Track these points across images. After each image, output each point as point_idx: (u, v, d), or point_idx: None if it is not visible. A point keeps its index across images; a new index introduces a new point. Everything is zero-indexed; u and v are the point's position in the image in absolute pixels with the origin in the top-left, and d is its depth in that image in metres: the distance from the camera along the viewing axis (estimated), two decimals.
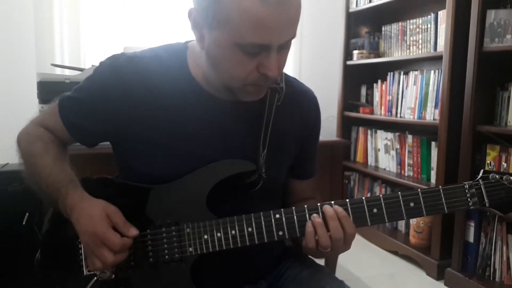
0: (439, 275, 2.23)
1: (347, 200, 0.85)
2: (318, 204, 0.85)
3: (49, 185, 0.87)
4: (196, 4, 0.79)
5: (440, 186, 0.84)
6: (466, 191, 0.84)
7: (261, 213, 0.85)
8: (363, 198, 0.84)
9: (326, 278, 0.95)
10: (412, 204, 0.84)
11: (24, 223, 1.61)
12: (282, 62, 0.81)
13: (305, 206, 0.85)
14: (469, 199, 0.84)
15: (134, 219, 0.86)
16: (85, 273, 0.87)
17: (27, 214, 1.61)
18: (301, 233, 0.84)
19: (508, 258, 1.96)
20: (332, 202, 0.85)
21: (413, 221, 2.43)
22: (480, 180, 0.85)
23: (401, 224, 2.70)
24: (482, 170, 0.86)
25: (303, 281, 0.95)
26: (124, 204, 0.87)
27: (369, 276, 2.29)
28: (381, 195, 0.84)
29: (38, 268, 0.93)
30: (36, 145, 0.91)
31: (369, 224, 0.84)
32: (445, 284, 2.17)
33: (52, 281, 0.92)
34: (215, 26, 0.76)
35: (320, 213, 0.84)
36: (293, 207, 0.85)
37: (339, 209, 0.83)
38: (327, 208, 0.84)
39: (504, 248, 1.96)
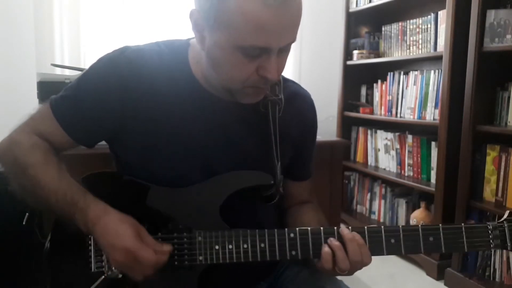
0: (439, 275, 2.23)
1: (365, 227, 0.84)
2: (335, 228, 0.84)
3: (60, 199, 0.82)
4: (198, 5, 0.79)
5: (462, 224, 0.83)
6: (490, 232, 0.83)
7: (275, 230, 0.84)
8: (382, 227, 0.83)
9: (325, 278, 0.95)
10: (431, 239, 0.83)
11: (24, 223, 1.61)
12: (281, 65, 0.81)
13: (321, 228, 0.84)
14: (491, 241, 0.82)
15: (146, 220, 0.85)
16: (93, 270, 0.86)
17: (27, 214, 1.61)
18: (314, 255, 0.84)
19: (508, 258, 1.96)
20: (350, 227, 0.84)
21: (413, 221, 2.43)
22: (504, 222, 0.83)
23: (402, 224, 2.70)
24: (507, 212, 0.85)
25: (302, 281, 0.95)
26: (137, 205, 0.86)
27: (369, 276, 2.28)
28: (400, 226, 0.84)
29: (46, 263, 0.91)
30: (34, 155, 0.85)
31: (385, 254, 0.83)
32: (445, 284, 2.17)
33: (59, 277, 0.90)
34: (217, 28, 0.76)
35: (336, 236, 0.83)
36: (309, 228, 0.84)
37: (357, 235, 0.83)
38: (345, 230, 0.83)
39: None
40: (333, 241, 0.82)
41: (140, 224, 0.82)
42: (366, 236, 0.83)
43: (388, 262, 2.50)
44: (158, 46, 0.90)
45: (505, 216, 0.84)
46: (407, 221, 2.59)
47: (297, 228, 0.84)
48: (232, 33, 0.74)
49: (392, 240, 0.83)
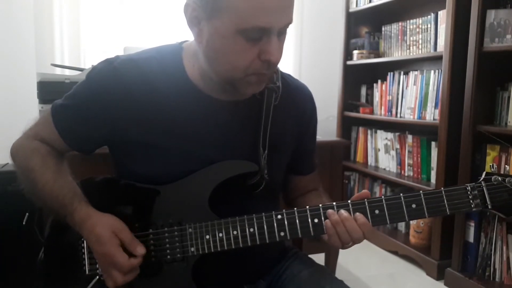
0: (439, 275, 2.23)
1: (349, 201, 0.84)
2: (320, 205, 0.85)
3: (54, 202, 0.86)
4: None
5: (442, 188, 0.84)
6: (468, 193, 0.84)
7: (263, 213, 0.85)
8: (365, 199, 0.84)
9: (325, 278, 0.95)
10: (414, 206, 0.83)
11: (24, 223, 1.61)
12: (281, 49, 0.82)
13: (307, 207, 0.85)
14: (471, 201, 0.83)
15: (136, 219, 0.86)
16: (87, 272, 0.87)
17: (27, 214, 1.61)
18: (303, 234, 0.84)
19: (508, 258, 1.96)
20: (334, 203, 0.85)
21: (413, 221, 2.43)
22: (482, 182, 0.84)
23: (401, 224, 2.70)
24: (484, 172, 0.86)
25: (303, 281, 0.95)
26: (127, 204, 0.87)
27: (369, 276, 2.29)
28: (382, 196, 0.84)
29: (40, 267, 0.93)
30: (34, 159, 0.89)
31: (371, 225, 0.83)
32: (445, 284, 2.17)
33: (54, 280, 0.92)
34: (216, 16, 0.76)
35: (321, 213, 0.84)
36: (295, 208, 0.85)
37: (343, 214, 0.83)
38: (330, 213, 0.83)
39: (504, 248, 1.96)
40: (333, 216, 0.83)
41: (121, 223, 0.84)
42: (351, 209, 0.84)
43: (388, 262, 2.50)
44: (149, 53, 0.90)
45: (483, 176, 0.85)
46: (407, 221, 2.59)
47: (283, 210, 0.85)
48: (233, 17, 0.75)
49: (376, 211, 0.83)
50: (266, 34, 0.77)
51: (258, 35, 0.77)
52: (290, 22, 0.79)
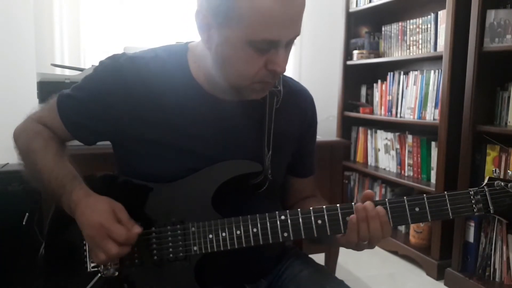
0: (439, 275, 2.23)
1: (353, 203, 0.84)
2: (324, 207, 0.85)
3: (52, 181, 0.86)
4: (205, 4, 0.79)
5: (445, 192, 0.84)
6: (471, 197, 0.84)
7: (266, 214, 0.85)
8: (368, 202, 0.84)
9: (325, 277, 0.95)
10: (417, 209, 0.84)
11: (24, 223, 1.61)
12: (287, 59, 0.83)
13: (311, 208, 0.85)
14: (474, 206, 0.84)
15: (139, 217, 0.86)
16: (89, 270, 0.87)
17: (27, 214, 1.61)
18: (306, 235, 0.84)
19: (508, 258, 1.96)
20: (338, 205, 0.84)
21: None
22: (485, 187, 0.85)
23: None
24: (487, 177, 0.86)
25: (303, 280, 0.95)
26: (130, 202, 0.87)
27: (369, 276, 2.29)
28: (386, 199, 0.84)
29: (41, 264, 0.93)
30: (36, 141, 0.91)
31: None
32: (445, 284, 2.18)
33: (55, 277, 0.92)
34: (226, 25, 0.77)
35: (325, 216, 0.84)
36: (299, 209, 0.85)
37: (376, 210, 0.83)
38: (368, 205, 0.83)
39: (504, 248, 1.96)
40: (361, 212, 0.82)
41: (120, 204, 0.84)
42: (354, 213, 0.83)
43: (388, 262, 2.50)
44: (154, 52, 0.91)
45: (485, 181, 0.86)
46: (410, 224, 2.59)
47: (287, 211, 0.85)
48: (244, 28, 0.76)
49: None
50: (274, 46, 0.78)
51: (266, 47, 0.78)
52: (298, 34, 0.81)
